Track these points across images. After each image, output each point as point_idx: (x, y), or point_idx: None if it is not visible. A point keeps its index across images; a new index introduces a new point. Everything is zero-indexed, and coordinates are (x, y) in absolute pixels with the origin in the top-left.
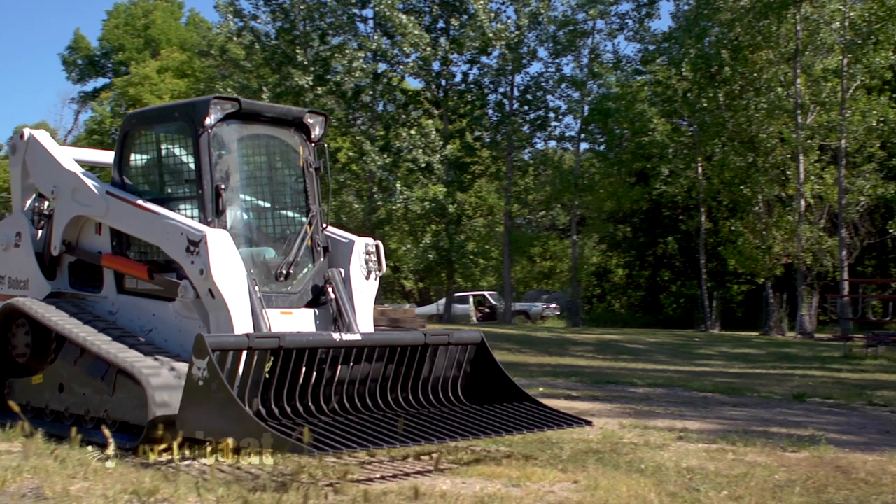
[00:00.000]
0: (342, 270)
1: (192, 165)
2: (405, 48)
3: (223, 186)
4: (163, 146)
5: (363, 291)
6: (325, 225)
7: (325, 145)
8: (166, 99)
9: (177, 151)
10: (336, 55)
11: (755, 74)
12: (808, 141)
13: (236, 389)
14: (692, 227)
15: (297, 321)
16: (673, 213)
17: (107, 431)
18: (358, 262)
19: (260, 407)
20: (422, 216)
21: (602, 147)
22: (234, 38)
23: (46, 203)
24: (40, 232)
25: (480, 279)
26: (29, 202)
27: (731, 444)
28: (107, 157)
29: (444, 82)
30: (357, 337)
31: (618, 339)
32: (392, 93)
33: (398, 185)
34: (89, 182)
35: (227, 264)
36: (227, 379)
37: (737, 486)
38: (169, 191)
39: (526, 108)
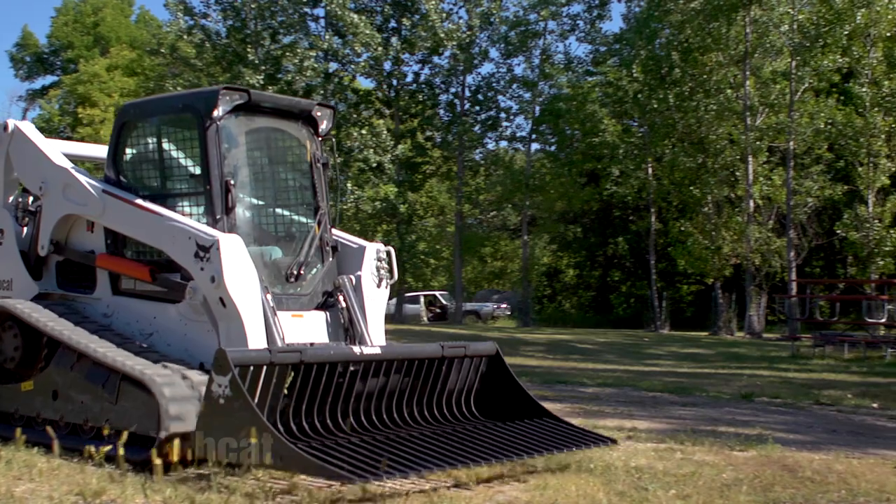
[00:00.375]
0: (353, 277)
1: (196, 160)
2: (356, 48)
3: (232, 182)
4: (164, 139)
5: (374, 300)
6: (332, 224)
7: (333, 139)
8: (115, 98)
9: (180, 145)
10: (287, 54)
11: (705, 76)
12: (757, 142)
13: (265, 411)
14: (642, 228)
15: (308, 325)
16: (623, 213)
17: (121, 450)
18: (369, 268)
19: (279, 425)
20: (372, 216)
21: (553, 147)
22: (185, 37)
23: (31, 198)
24: (25, 229)
25: (431, 279)
26: (12, 198)
27: (680, 444)
28: (96, 150)
29: (395, 82)
30: (377, 350)
31: (568, 338)
32: (343, 92)
33: (349, 185)
34: (83, 179)
35: (241, 272)
36: (249, 395)
37: (685, 485)
38: (170, 187)
39: (477, 108)
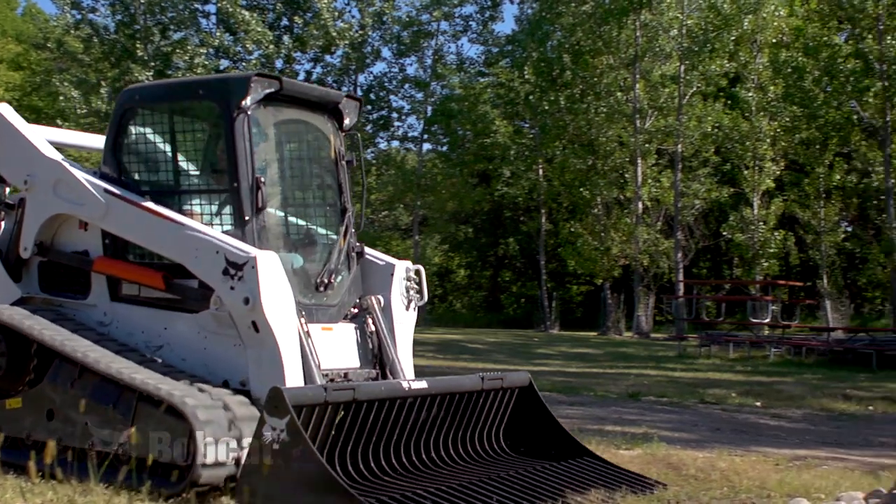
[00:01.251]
0: (381, 298)
1: (218, 153)
2: (248, 45)
3: (263, 180)
4: (177, 129)
5: (404, 324)
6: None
7: (357, 134)
8: (0, 92)
9: (198, 136)
10: (177, 50)
11: (595, 79)
12: (646, 145)
13: (324, 457)
14: (533, 229)
15: (338, 340)
16: (514, 214)
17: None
18: (399, 289)
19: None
20: None
21: (445, 148)
22: (72, 31)
23: (8, 190)
24: (2, 224)
25: None
26: None
27: None
28: (83, 139)
29: None
30: (424, 385)
31: (459, 338)
32: None
33: None
34: (80, 175)
35: (278, 293)
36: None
37: None
38: (184, 183)
39: (369, 107)
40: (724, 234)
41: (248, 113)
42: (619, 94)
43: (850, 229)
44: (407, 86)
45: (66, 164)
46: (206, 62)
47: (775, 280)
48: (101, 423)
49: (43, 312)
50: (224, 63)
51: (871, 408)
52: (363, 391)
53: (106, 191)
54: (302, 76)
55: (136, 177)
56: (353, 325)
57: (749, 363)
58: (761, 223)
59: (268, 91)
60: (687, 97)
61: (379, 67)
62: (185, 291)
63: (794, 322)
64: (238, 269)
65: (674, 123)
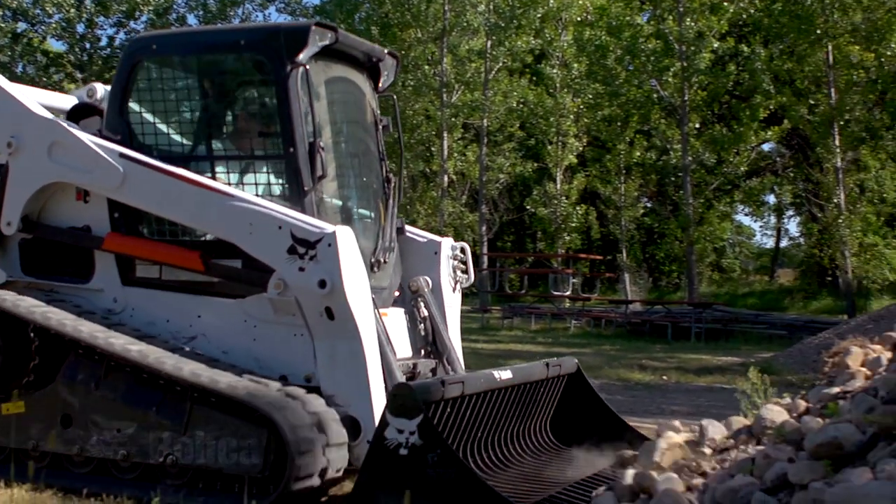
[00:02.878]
0: (429, 280)
1: (266, 115)
2: (48, 8)
3: (322, 144)
4: (208, 87)
5: (453, 307)
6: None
7: (394, 96)
8: None
9: (236, 94)
10: None
11: (403, 52)
12: (453, 119)
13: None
14: None
15: (393, 325)
16: None
17: None
18: (447, 269)
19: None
20: None
21: None
22: None
23: None
24: None
25: None
26: None
27: None
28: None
29: (88, 46)
30: (510, 374)
31: None
32: (33, 54)
33: None
34: (83, 136)
35: (359, 276)
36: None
37: None
38: (219, 148)
39: None
40: (528, 208)
41: (307, 68)
42: (426, 67)
43: (649, 205)
44: None
45: (65, 126)
46: (3, 24)
47: (577, 254)
48: (139, 430)
49: (42, 299)
50: (22, 26)
51: (664, 377)
52: (471, 384)
53: (122, 155)
54: (104, 42)
55: (149, 141)
56: (402, 310)
57: (550, 335)
58: (564, 198)
59: (324, 44)
60: (493, 72)
61: None
62: (228, 273)
63: (595, 295)
64: (310, 247)
65: (480, 98)
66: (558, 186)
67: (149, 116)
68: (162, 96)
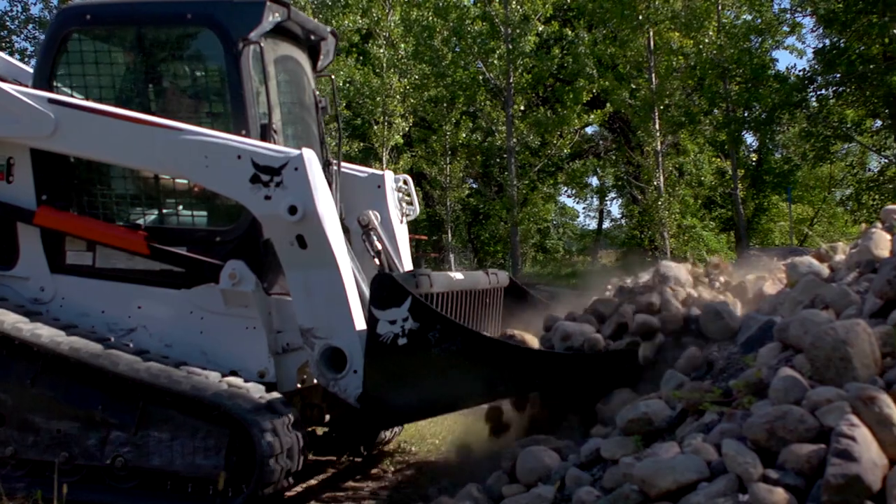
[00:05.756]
0: (377, 214)
1: (214, 94)
2: None
3: (274, 128)
4: (149, 62)
5: (402, 239)
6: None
7: (333, 77)
8: None
9: (180, 71)
10: None
11: None
12: None
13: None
14: None
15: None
16: None
17: None
18: (393, 201)
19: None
20: None
21: None
22: None
23: None
24: None
25: None
26: None
27: None
28: None
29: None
30: (461, 276)
31: None
32: None
33: None
34: (3, 86)
35: (329, 200)
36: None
37: None
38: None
39: None
40: None
41: (261, 46)
42: None
43: (474, 186)
44: (31, 26)
45: None
46: None
47: None
48: (82, 430)
49: None
50: None
51: None
52: (458, 283)
53: (52, 101)
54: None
55: None
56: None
57: None
58: None
59: (277, 21)
60: None
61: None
62: (175, 260)
63: None
64: (274, 173)
65: None
66: (384, 166)
67: (80, 94)
68: (95, 71)
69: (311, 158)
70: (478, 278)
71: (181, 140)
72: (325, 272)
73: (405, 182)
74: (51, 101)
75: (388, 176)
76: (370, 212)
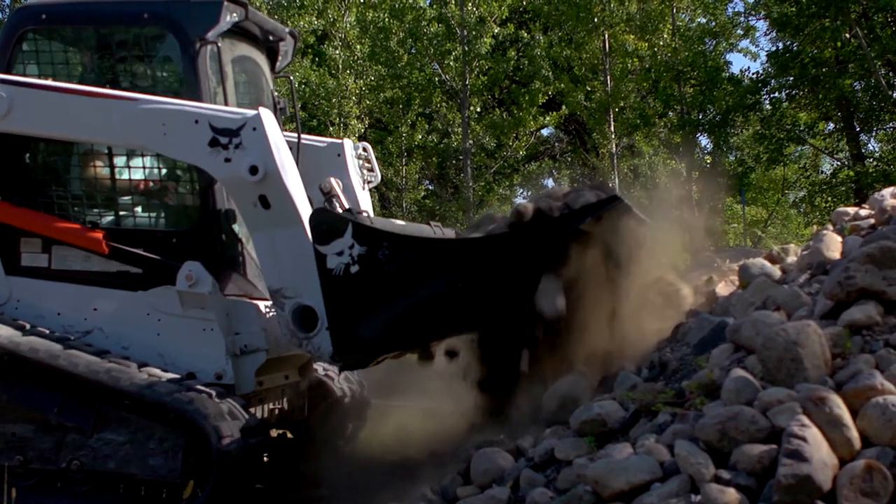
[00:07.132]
0: (339, 181)
1: (171, 95)
2: None
3: None
4: (109, 63)
5: (366, 206)
6: None
7: (291, 77)
8: None
9: (137, 72)
10: None
11: None
12: None
13: None
14: None
15: None
16: None
17: None
18: (354, 168)
19: None
20: None
21: None
22: None
23: None
24: None
25: None
26: None
27: None
28: None
29: None
30: (402, 223)
31: None
32: None
33: None
34: None
35: (289, 157)
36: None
37: None
38: None
39: None
40: None
41: (218, 46)
42: None
43: (430, 187)
44: None
45: None
46: None
47: None
48: (36, 433)
49: None
50: None
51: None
52: (378, 222)
53: (3, 81)
54: None
55: None
56: None
57: None
58: None
59: (234, 20)
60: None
61: None
62: (132, 260)
63: None
64: (233, 135)
65: None
66: None
67: None
68: (51, 72)
69: (268, 118)
70: (422, 229)
71: (138, 110)
72: (290, 231)
73: (365, 149)
74: (2, 81)
75: (348, 144)
76: (331, 179)
